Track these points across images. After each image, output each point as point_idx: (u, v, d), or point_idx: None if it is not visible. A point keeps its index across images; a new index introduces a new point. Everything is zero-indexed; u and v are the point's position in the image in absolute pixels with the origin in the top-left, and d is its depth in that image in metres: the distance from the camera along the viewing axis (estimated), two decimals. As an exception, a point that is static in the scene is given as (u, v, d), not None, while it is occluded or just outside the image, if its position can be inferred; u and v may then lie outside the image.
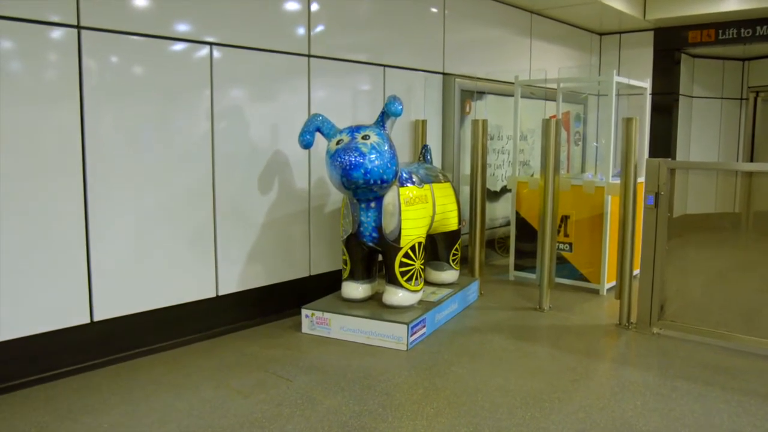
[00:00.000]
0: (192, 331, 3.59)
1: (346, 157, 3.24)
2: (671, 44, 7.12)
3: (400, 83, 4.73)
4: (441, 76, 5.13)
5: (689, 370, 3.22)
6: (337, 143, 3.41)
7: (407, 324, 3.42)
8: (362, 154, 3.27)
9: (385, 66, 4.56)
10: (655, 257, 3.72)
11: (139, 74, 3.20)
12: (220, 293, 3.69)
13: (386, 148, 3.40)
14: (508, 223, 5.78)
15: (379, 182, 3.37)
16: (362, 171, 3.27)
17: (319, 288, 4.15)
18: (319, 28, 4.03)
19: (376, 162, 3.31)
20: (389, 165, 3.38)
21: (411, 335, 3.45)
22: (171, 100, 3.33)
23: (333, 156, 3.32)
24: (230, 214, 3.67)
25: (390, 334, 3.47)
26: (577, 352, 3.45)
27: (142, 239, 3.29)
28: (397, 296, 3.67)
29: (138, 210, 3.25)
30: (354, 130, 3.45)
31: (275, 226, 3.93)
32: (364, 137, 3.38)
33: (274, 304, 4.02)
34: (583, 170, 6.89)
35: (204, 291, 3.61)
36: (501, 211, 5.83)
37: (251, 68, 3.70)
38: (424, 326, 3.62)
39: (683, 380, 3.09)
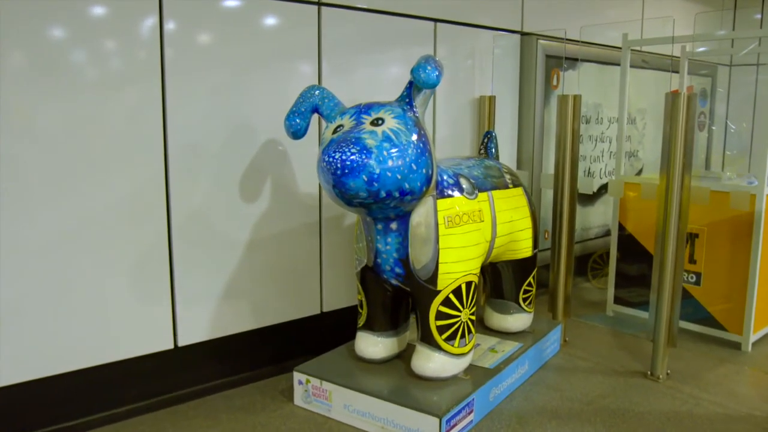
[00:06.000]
0: (134, 399, 2.51)
1: (338, 156, 1.99)
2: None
3: (459, 45, 3.42)
4: (518, 36, 3.76)
5: None
6: (335, 131, 2.18)
7: (440, 418, 2.18)
8: (365, 150, 2.01)
9: (436, 21, 3.26)
10: None
11: (37, 19, 2.10)
12: (180, 344, 2.58)
13: (411, 138, 2.12)
14: (605, 234, 4.37)
15: (396, 194, 2.11)
16: (364, 177, 2.01)
17: (335, 331, 2.98)
18: (336, -37, 2.81)
19: (391, 162, 2.04)
20: (414, 166, 2.10)
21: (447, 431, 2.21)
22: (95, 65, 2.21)
23: (322, 152, 2.08)
24: (194, 231, 2.54)
25: (415, 429, 2.24)
26: (722, 479, 2.09)
27: (55, 271, 2.21)
28: (432, 363, 2.42)
29: (49, 230, 2.17)
30: (362, 110, 2.20)
31: (268, 247, 2.77)
32: (375, 122, 2.12)
33: (266, 355, 2.89)
34: (707, 166, 5.31)
35: (154, 342, 2.52)
36: (597, 217, 4.41)
37: (228, 17, 2.53)
38: (470, 411, 2.37)
39: None
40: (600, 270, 4.29)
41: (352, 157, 1.97)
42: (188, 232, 2.52)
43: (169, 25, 2.36)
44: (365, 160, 1.98)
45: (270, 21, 2.65)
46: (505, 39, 3.68)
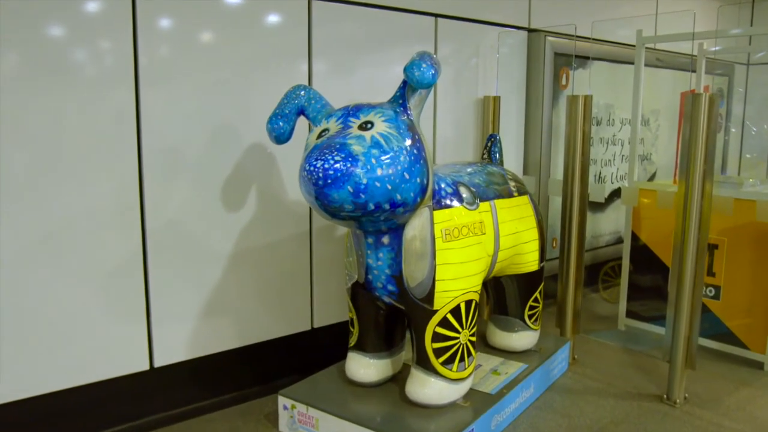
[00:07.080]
0: (106, 425, 2.32)
1: (320, 164, 1.77)
2: None
3: (462, 42, 3.22)
4: (525, 32, 3.55)
5: None
6: (320, 135, 1.98)
7: (435, 453, 1.98)
8: (350, 157, 1.80)
9: (437, 16, 3.05)
10: None
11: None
12: (157, 364, 2.38)
13: (403, 143, 1.91)
14: (616, 242, 4.15)
15: (387, 206, 1.90)
16: (350, 188, 1.79)
17: (327, 348, 2.79)
18: (328, -46, 2.61)
19: (380, 170, 1.83)
20: (407, 175, 1.89)
21: (443, 468, 2.01)
22: (66, 65, 2.02)
23: (304, 160, 1.87)
24: (172, 242, 2.34)
25: (407, 464, 2.03)
26: None
27: (19, 286, 2.02)
28: (428, 389, 2.21)
29: (11, 242, 1.98)
30: (350, 112, 1.99)
31: (254, 259, 2.57)
32: (364, 125, 1.91)
33: (251, 376, 2.69)
34: (723, 170, 5.07)
35: (128, 362, 2.32)
36: (608, 224, 4.19)
37: (212, 12, 2.33)
38: (470, 443, 2.16)
39: None
40: (611, 282, 4.06)
41: (336, 165, 1.76)
42: (165, 242, 2.32)
43: (144, 23, 2.16)
44: (350, 169, 1.77)
45: (256, 17, 2.45)
46: (511, 36, 3.47)
